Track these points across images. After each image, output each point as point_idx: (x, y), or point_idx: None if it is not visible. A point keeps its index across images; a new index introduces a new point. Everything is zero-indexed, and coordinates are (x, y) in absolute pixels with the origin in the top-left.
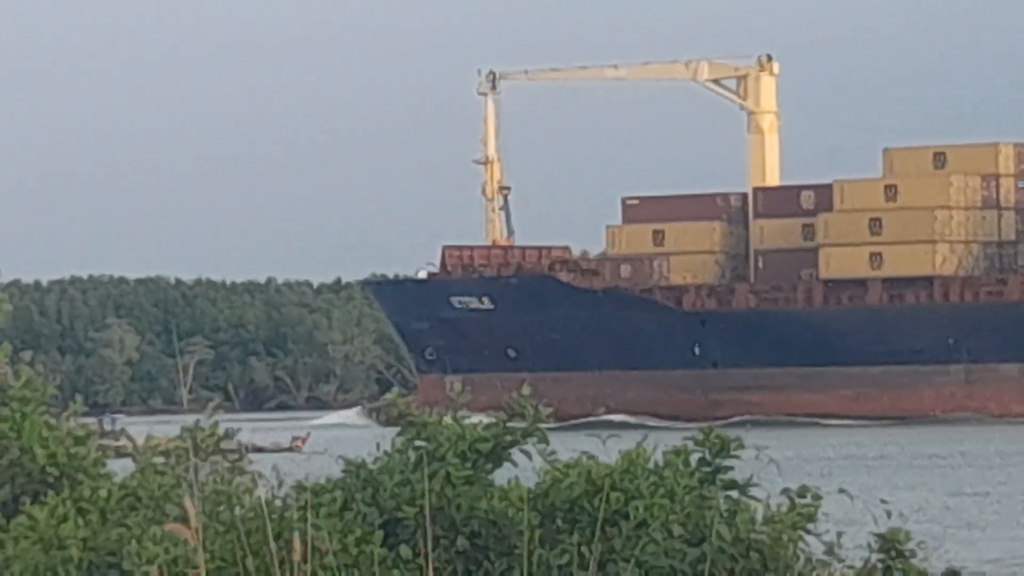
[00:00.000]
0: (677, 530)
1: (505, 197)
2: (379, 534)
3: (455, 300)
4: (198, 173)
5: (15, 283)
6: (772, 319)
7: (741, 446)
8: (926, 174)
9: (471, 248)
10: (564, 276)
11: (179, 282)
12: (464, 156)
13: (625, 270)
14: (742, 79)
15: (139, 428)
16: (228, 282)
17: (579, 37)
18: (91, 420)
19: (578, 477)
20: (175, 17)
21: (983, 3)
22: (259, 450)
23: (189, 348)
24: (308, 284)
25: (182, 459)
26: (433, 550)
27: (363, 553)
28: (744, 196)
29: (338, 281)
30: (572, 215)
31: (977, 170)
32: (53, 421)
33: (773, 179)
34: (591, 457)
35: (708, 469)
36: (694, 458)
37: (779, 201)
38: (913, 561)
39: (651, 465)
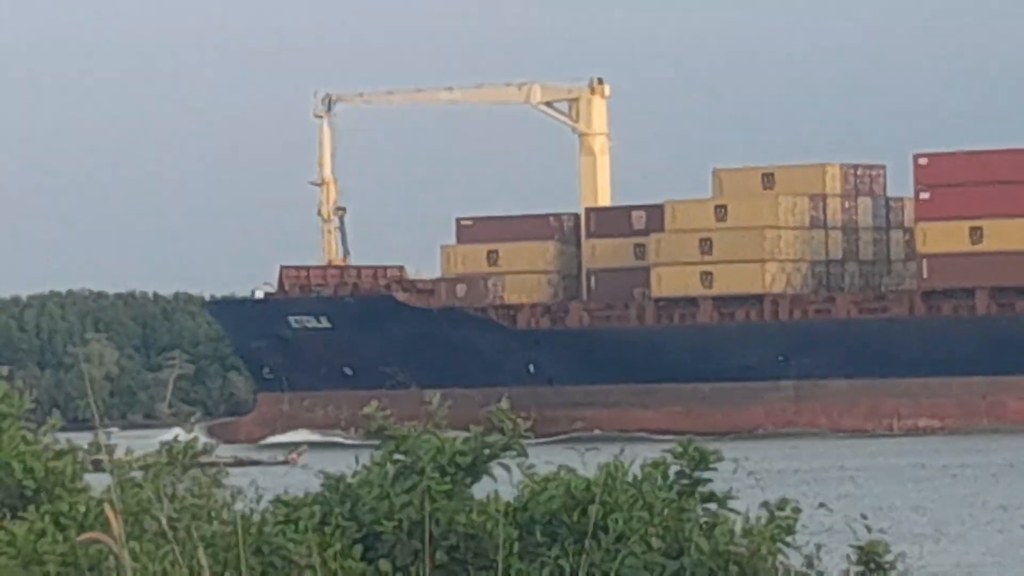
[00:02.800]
0: (656, 543)
1: (341, 218)
2: (358, 548)
3: (293, 319)
4: (176, 185)
5: None
6: (605, 337)
7: (720, 459)
8: (755, 194)
9: (308, 268)
10: (400, 296)
11: (157, 296)
12: (301, 177)
13: (460, 289)
14: (574, 102)
15: (119, 443)
16: (208, 296)
17: (414, 60)
18: (87, 433)
19: (557, 490)
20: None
21: (806, 28)
22: (257, 463)
23: (168, 362)
24: None
25: (160, 473)
26: (412, 564)
27: (342, 567)
28: (576, 216)
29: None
30: (407, 235)
31: (805, 190)
32: (31, 436)
33: (605, 200)
34: (570, 470)
35: (687, 482)
36: (673, 471)
37: (611, 221)
38: (892, 574)
39: (630, 478)
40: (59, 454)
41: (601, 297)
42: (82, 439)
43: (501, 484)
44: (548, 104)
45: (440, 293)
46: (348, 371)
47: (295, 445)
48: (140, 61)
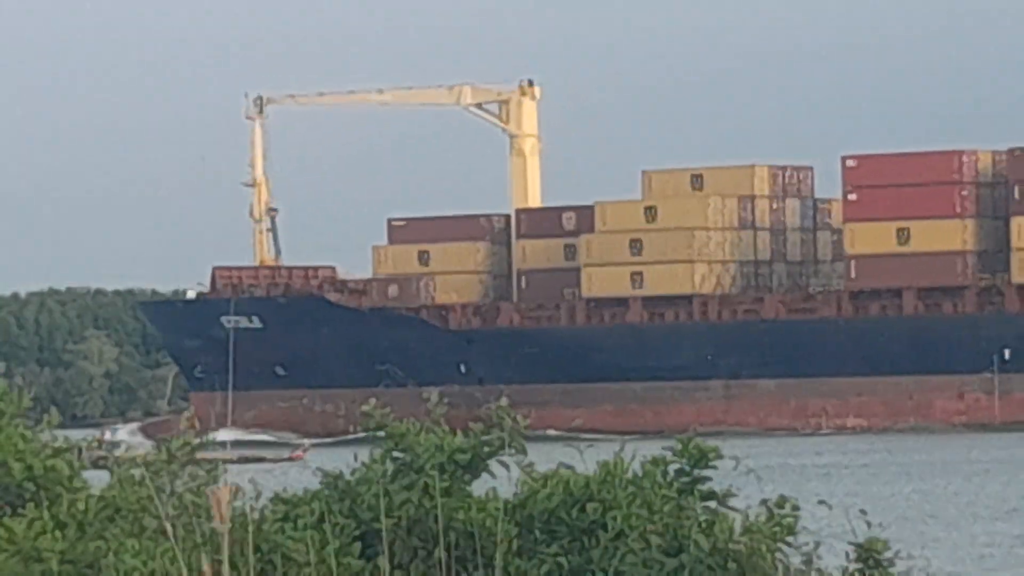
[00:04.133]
0: (655, 540)
1: (273, 219)
2: (357, 546)
3: (225, 319)
4: (106, 185)
5: None
6: (536, 336)
7: (719, 456)
8: (684, 196)
9: (240, 269)
10: (332, 296)
11: (155, 293)
12: (233, 178)
13: (392, 290)
14: (504, 103)
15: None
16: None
17: (346, 62)
18: (93, 432)
19: (556, 488)
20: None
21: (734, 30)
22: (261, 460)
23: (168, 360)
24: None
25: (160, 471)
26: (411, 561)
27: (341, 565)
28: (507, 217)
29: None
30: (339, 236)
31: (734, 192)
32: (29, 434)
33: (535, 201)
34: (569, 468)
35: (686, 480)
36: (672, 468)
37: (541, 222)
38: (892, 570)
39: (629, 475)
40: (57, 451)
41: (532, 297)
42: (80, 436)
43: (500, 482)
44: (478, 106)
45: (372, 293)
46: (280, 371)
47: (223, 445)
48: (74, 62)
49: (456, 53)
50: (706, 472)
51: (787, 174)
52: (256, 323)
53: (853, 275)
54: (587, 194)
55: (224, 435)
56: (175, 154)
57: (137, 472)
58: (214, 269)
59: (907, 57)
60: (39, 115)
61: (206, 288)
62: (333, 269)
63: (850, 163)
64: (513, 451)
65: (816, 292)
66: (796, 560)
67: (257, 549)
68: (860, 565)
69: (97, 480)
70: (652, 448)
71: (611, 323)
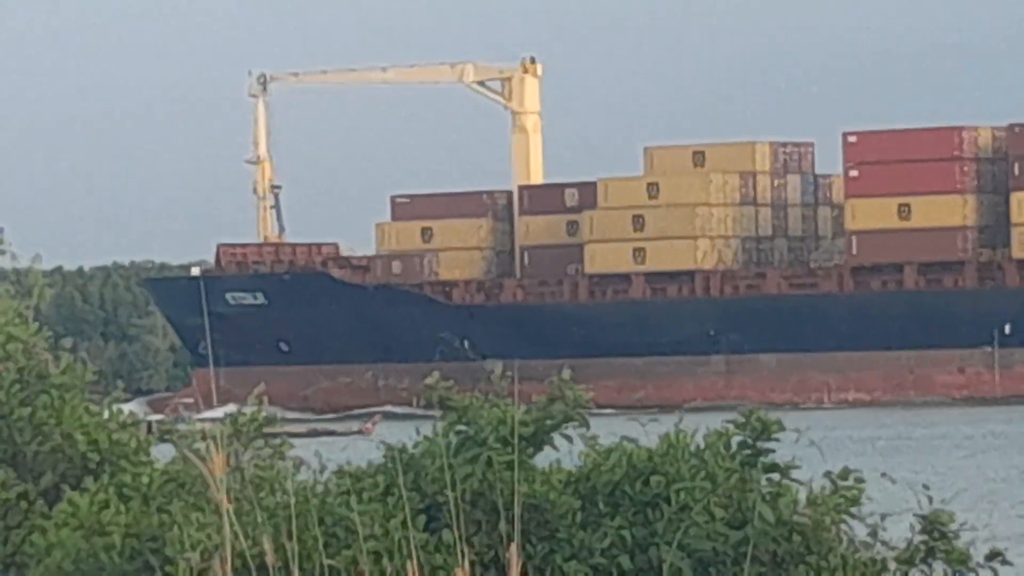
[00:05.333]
0: (719, 513)
1: (276, 196)
2: (421, 519)
3: (229, 296)
4: (111, 161)
5: (58, 270)
6: (539, 312)
7: (782, 428)
8: (686, 172)
9: (244, 246)
10: (336, 272)
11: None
12: (237, 156)
13: (396, 266)
14: (506, 81)
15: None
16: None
17: (349, 40)
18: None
19: (619, 461)
20: None
21: (735, 6)
22: (331, 433)
23: None
24: None
25: (224, 445)
26: (475, 534)
27: (405, 538)
28: (509, 194)
29: None
30: (342, 213)
31: (735, 168)
32: (95, 407)
33: (537, 178)
34: (632, 441)
35: (749, 452)
36: (735, 441)
37: (544, 199)
38: (956, 543)
39: (692, 448)
40: (123, 425)
41: (534, 273)
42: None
43: (563, 455)
44: (481, 83)
45: (375, 270)
46: (284, 347)
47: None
48: (76, 39)
49: (459, 31)
50: (768, 444)
51: (788, 150)
52: (260, 299)
53: (854, 251)
54: (589, 171)
55: (225, 411)
56: (180, 132)
57: (202, 446)
58: (218, 246)
59: (908, 34)
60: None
61: (210, 265)
62: (336, 246)
63: (851, 139)
64: (576, 424)
65: (817, 268)
66: (861, 532)
67: (321, 522)
68: (925, 537)
69: (162, 455)
70: (712, 422)
71: (613, 299)
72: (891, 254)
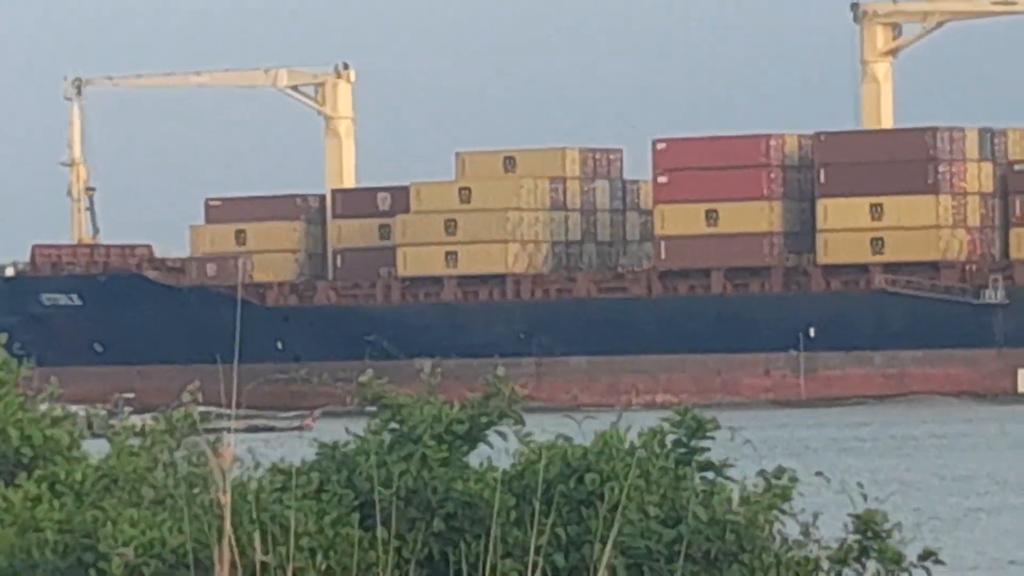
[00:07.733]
0: (653, 511)
1: (91, 198)
2: (355, 516)
3: (44, 297)
4: None
5: None
6: (352, 315)
7: (716, 427)
8: (498, 177)
9: (59, 247)
10: (151, 274)
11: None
12: (52, 158)
13: (211, 268)
14: (320, 86)
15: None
16: None
17: (164, 44)
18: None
19: (553, 459)
20: None
21: (545, 14)
22: (270, 430)
23: None
24: None
25: (158, 441)
26: (409, 532)
27: (339, 535)
28: (323, 198)
29: None
30: (156, 215)
31: (545, 173)
32: (27, 403)
33: (350, 182)
34: (567, 439)
35: (684, 450)
36: (669, 439)
37: (356, 202)
38: (889, 542)
39: (626, 446)
40: (56, 421)
41: (347, 276)
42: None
43: (497, 452)
44: (294, 88)
45: (191, 272)
46: (98, 348)
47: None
48: None
49: (273, 36)
50: (703, 443)
51: (597, 156)
52: (76, 300)
53: (663, 255)
54: (402, 175)
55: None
56: None
57: (136, 442)
58: (33, 247)
59: (714, 44)
60: None
61: (25, 266)
62: (150, 248)
63: (660, 146)
64: (511, 421)
65: (627, 272)
66: (794, 531)
67: (255, 519)
68: (858, 536)
69: (96, 450)
70: (648, 420)
71: (426, 301)
72: (699, 259)
